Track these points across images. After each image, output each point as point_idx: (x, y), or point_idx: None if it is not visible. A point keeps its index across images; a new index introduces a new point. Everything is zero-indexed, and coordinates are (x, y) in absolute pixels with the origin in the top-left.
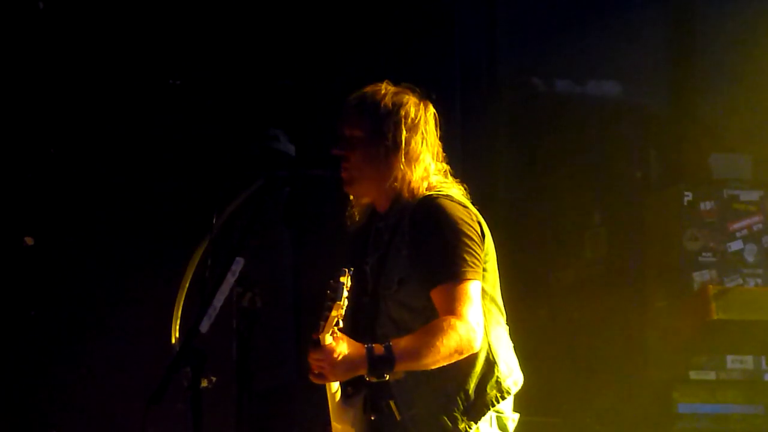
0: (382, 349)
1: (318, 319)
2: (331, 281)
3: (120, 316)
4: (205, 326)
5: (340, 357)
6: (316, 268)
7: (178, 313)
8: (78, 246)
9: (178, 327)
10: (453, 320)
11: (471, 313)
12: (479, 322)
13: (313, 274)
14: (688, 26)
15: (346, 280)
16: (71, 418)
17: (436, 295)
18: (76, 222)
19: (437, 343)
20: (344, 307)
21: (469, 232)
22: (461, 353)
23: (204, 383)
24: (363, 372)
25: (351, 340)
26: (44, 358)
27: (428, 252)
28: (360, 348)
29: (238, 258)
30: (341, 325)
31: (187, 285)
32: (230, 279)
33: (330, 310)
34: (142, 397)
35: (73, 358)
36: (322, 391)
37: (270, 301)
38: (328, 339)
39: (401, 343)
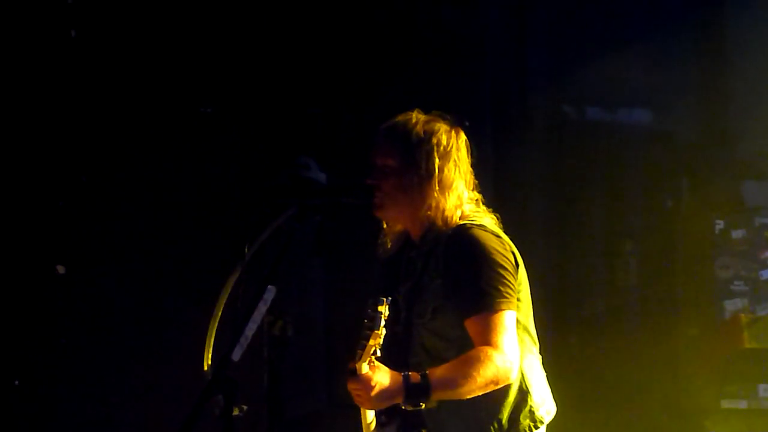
0: (419, 377)
1: (355, 348)
2: (369, 310)
3: (152, 345)
4: (237, 355)
5: (377, 386)
6: (347, 296)
7: (211, 341)
8: (109, 274)
9: (210, 355)
10: (490, 351)
11: (507, 343)
12: (515, 353)
13: (344, 302)
14: (721, 53)
15: (384, 310)
16: None
17: (471, 326)
18: (108, 250)
19: (474, 374)
20: (382, 336)
21: (503, 263)
22: (497, 384)
23: (236, 411)
24: (399, 401)
25: (387, 369)
26: (75, 387)
27: (463, 282)
28: (397, 376)
29: (269, 286)
30: (379, 354)
31: (220, 313)
32: (262, 308)
33: (368, 339)
34: (174, 425)
35: (105, 387)
36: (352, 418)
37: (301, 329)
38: (365, 368)
39: (437, 373)
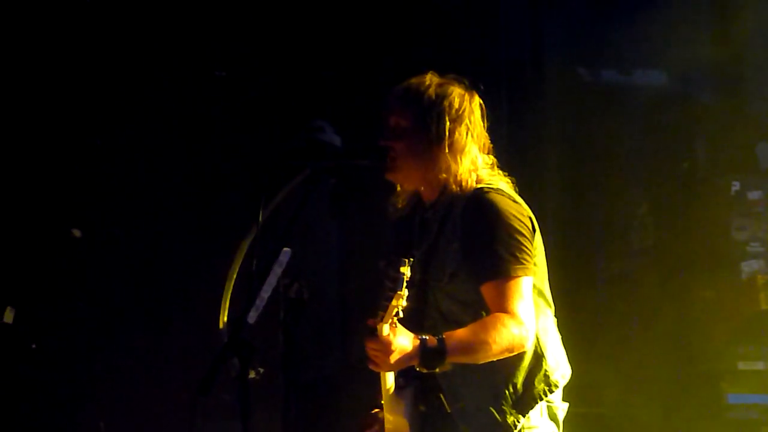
0: (435, 341)
1: (376, 309)
2: (391, 271)
3: (167, 308)
4: (252, 317)
5: (396, 348)
6: (362, 258)
7: (226, 304)
8: (125, 238)
9: (225, 318)
10: (506, 318)
11: (523, 310)
12: (531, 321)
13: (359, 264)
14: (736, 14)
15: (407, 270)
16: (119, 409)
17: (486, 291)
18: (123, 214)
19: (490, 341)
20: (404, 298)
21: (520, 228)
22: (512, 351)
23: (252, 374)
24: (415, 363)
25: (406, 331)
26: (92, 349)
27: (480, 248)
28: (414, 339)
29: (285, 249)
30: (401, 315)
31: (235, 276)
32: (277, 270)
33: (390, 300)
34: (190, 388)
35: (121, 350)
36: (367, 382)
37: (316, 292)
38: (385, 329)
39: (454, 337)
